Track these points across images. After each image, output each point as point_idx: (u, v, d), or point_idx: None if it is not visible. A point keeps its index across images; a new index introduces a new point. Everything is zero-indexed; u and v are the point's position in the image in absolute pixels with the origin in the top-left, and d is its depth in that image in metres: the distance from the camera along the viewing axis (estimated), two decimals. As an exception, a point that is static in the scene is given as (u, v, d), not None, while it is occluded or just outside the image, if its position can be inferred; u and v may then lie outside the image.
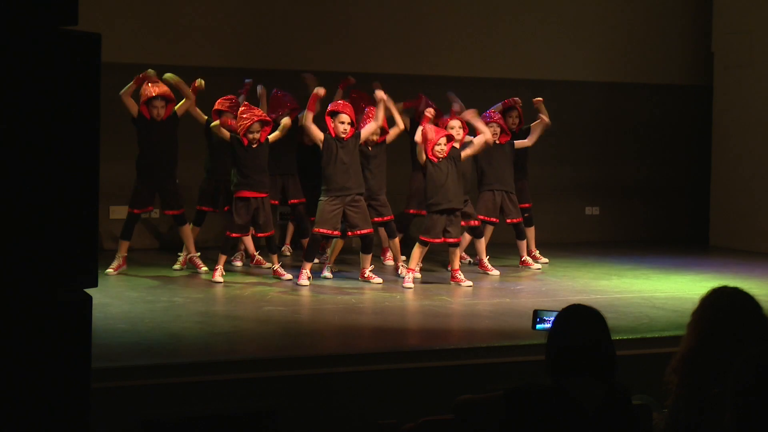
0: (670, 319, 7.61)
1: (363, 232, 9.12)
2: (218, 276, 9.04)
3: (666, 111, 13.34)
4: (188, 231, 9.62)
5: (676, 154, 13.43)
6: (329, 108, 9.16)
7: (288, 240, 10.85)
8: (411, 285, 8.93)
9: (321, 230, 9.05)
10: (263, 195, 9.21)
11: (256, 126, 9.07)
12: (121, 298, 8.09)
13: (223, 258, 9.17)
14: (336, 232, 9.15)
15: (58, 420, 2.80)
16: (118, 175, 10.13)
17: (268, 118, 9.22)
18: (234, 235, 9.20)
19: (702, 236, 13.08)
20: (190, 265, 9.61)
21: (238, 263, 10.08)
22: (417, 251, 9.14)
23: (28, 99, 2.74)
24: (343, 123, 9.04)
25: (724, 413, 2.89)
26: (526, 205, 10.60)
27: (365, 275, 9.17)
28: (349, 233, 9.32)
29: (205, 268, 9.42)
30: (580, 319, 3.51)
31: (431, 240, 9.11)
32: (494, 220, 10.15)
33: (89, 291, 2.86)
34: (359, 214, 9.08)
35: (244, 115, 9.10)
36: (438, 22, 12.19)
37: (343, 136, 9.03)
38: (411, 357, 6.42)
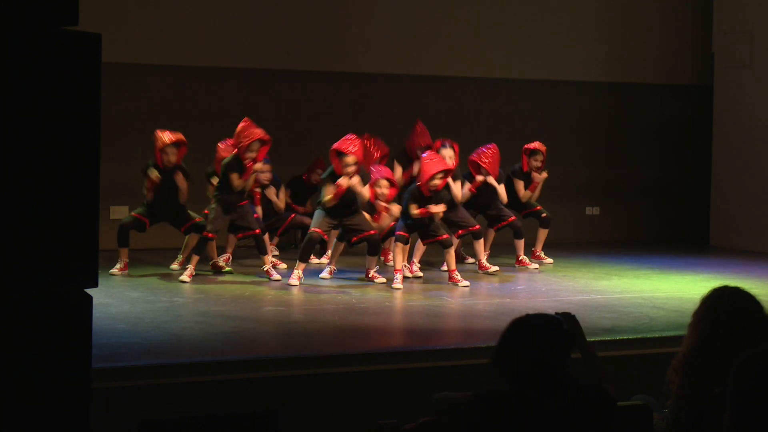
0: (671, 319, 7.61)
1: (366, 234, 9.13)
2: (186, 276, 9.01)
3: (666, 111, 13.33)
4: (195, 240, 9.61)
5: (676, 154, 13.42)
6: (336, 147, 9.07)
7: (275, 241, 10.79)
8: (400, 286, 8.91)
9: (317, 229, 9.10)
10: (243, 203, 9.25)
11: (255, 144, 9.07)
12: (122, 299, 8.09)
13: (195, 258, 9.15)
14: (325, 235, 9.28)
15: (58, 420, 2.80)
16: (118, 175, 10.13)
17: (266, 137, 9.20)
18: (210, 235, 9.18)
19: (702, 236, 13.07)
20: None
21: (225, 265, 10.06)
22: (397, 251, 9.12)
23: (28, 99, 2.74)
24: (348, 165, 9.02)
25: (724, 413, 2.89)
26: (537, 207, 10.67)
27: (369, 275, 9.19)
28: (354, 239, 9.27)
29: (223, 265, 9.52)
30: (526, 335, 3.38)
31: (405, 234, 9.14)
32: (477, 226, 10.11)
33: (89, 291, 2.86)
34: (358, 221, 9.13)
35: (243, 133, 9.09)
36: (438, 22, 12.19)
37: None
38: (411, 357, 6.41)
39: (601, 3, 12.95)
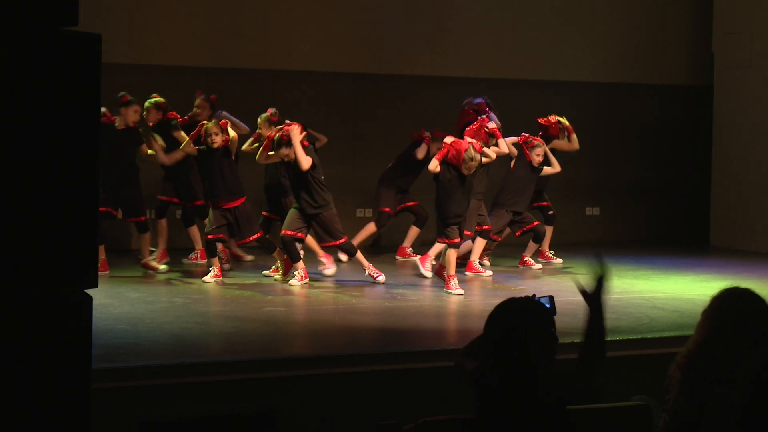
0: (671, 320, 7.61)
1: (333, 243, 9.15)
2: (209, 277, 9.03)
3: (666, 111, 13.33)
4: (147, 238, 9.56)
5: (676, 154, 13.42)
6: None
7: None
8: (460, 291, 8.70)
9: (286, 232, 9.04)
10: (236, 204, 9.14)
11: (212, 127, 9.03)
12: (122, 299, 8.09)
13: (215, 260, 9.15)
14: (299, 234, 9.05)
15: (58, 420, 2.80)
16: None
17: (222, 122, 9.17)
18: (211, 237, 9.13)
19: (702, 236, 13.07)
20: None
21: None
22: (451, 256, 8.96)
23: (29, 99, 2.74)
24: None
25: (725, 414, 2.89)
26: (546, 203, 10.68)
27: (367, 273, 9.19)
28: (322, 245, 9.36)
29: (164, 267, 9.50)
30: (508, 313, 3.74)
31: (457, 240, 9.05)
32: (498, 239, 10.13)
33: (89, 291, 2.87)
34: (321, 227, 9.07)
35: (199, 120, 9.20)
36: (438, 23, 12.18)
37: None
38: (411, 357, 6.42)
39: (601, 3, 12.95)
